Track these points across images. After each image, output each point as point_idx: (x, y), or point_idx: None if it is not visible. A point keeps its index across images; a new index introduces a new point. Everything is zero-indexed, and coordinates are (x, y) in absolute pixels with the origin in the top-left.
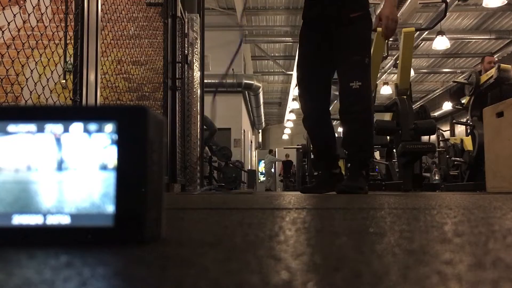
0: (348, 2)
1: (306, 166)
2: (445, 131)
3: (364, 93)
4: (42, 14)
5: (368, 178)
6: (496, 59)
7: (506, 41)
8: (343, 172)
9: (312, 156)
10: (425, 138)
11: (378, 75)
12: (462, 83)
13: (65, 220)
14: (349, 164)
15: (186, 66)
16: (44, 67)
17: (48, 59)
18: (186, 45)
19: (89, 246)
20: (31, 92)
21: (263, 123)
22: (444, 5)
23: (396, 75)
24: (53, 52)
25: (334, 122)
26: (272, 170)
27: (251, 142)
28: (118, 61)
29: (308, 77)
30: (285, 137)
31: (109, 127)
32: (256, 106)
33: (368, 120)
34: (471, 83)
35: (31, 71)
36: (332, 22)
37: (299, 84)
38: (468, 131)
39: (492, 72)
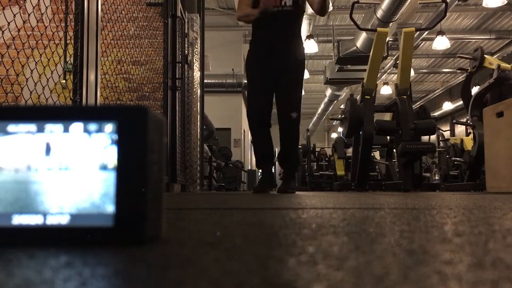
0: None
1: (306, 166)
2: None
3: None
4: (42, 14)
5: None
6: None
7: (506, 41)
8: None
9: (258, 159)
10: (425, 138)
11: (378, 75)
12: (467, 58)
13: (65, 220)
14: (283, 171)
15: (186, 66)
16: (44, 67)
17: (48, 59)
18: (186, 45)
19: (89, 246)
20: (31, 92)
21: None
22: (444, 5)
23: (396, 75)
24: (53, 52)
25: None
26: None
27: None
28: (118, 61)
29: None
30: None
31: (109, 127)
32: None
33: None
34: (475, 58)
35: (31, 71)
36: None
37: None
38: (469, 131)
39: (494, 63)
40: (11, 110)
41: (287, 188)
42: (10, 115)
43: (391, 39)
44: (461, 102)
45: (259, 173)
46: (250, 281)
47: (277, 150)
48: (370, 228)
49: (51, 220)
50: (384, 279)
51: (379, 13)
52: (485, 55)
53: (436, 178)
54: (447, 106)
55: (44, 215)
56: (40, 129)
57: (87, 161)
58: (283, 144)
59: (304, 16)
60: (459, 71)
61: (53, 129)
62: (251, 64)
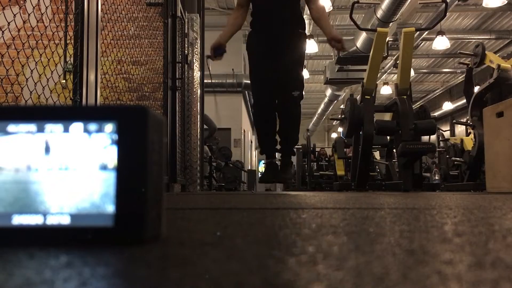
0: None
1: (306, 166)
2: (445, 131)
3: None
4: (42, 14)
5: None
6: None
7: (506, 41)
8: None
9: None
10: (425, 138)
11: (378, 75)
12: (468, 55)
13: (65, 220)
14: (282, 154)
15: (186, 66)
16: (44, 67)
17: (48, 59)
18: (186, 45)
19: (89, 246)
20: (31, 92)
21: None
22: (444, 5)
23: (396, 75)
24: (53, 52)
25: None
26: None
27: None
28: (118, 61)
29: None
30: None
31: (109, 127)
32: None
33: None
34: (476, 54)
35: (31, 71)
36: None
37: None
38: (469, 131)
39: (495, 62)
40: (11, 110)
41: (284, 176)
42: (10, 115)
43: (391, 39)
44: (461, 102)
45: (262, 163)
46: (250, 281)
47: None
48: (370, 228)
49: (51, 220)
50: (384, 279)
51: (379, 13)
52: (486, 52)
53: (436, 178)
54: (447, 106)
55: (44, 215)
56: (40, 129)
57: (87, 161)
58: (282, 123)
59: (304, 17)
60: (460, 65)
61: (53, 129)
62: (253, 44)
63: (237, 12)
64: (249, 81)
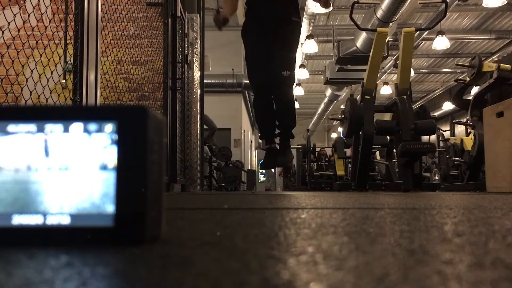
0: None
1: (306, 166)
2: (445, 131)
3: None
4: (42, 14)
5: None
6: (496, 59)
7: (506, 41)
8: None
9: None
10: (425, 138)
11: (378, 75)
12: (465, 66)
13: (65, 220)
14: (279, 138)
15: (186, 66)
16: (44, 67)
17: (48, 59)
18: (186, 45)
19: (89, 246)
20: (31, 92)
21: None
22: (444, 5)
23: (396, 75)
24: (53, 52)
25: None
26: (272, 170)
27: (251, 142)
28: (118, 61)
29: None
30: None
31: (109, 127)
32: None
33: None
34: (473, 66)
35: (31, 71)
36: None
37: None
38: (469, 131)
39: (493, 66)
40: (11, 110)
41: (284, 159)
42: (10, 115)
43: (391, 39)
44: None
45: (264, 145)
46: (250, 281)
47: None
48: (370, 228)
49: (51, 220)
50: (384, 279)
51: (379, 13)
52: (482, 62)
53: (436, 178)
54: (447, 106)
55: (44, 215)
56: (40, 129)
57: (87, 161)
58: (277, 106)
59: (304, 16)
60: (457, 82)
61: (53, 129)
62: (247, 31)
63: None
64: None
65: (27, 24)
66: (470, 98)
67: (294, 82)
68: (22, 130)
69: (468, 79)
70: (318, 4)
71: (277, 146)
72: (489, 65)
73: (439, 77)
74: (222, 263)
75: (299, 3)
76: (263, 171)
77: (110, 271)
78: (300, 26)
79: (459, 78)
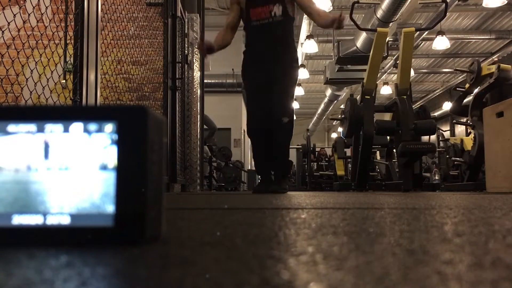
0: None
1: (306, 166)
2: (445, 131)
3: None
4: (42, 14)
5: (289, 180)
6: (496, 59)
7: (506, 41)
8: None
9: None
10: (425, 138)
11: (378, 75)
12: (464, 72)
13: (65, 220)
14: (274, 172)
15: (186, 66)
16: (44, 67)
17: (48, 59)
18: (186, 45)
19: (89, 246)
20: (31, 92)
21: None
22: (444, 5)
23: (396, 75)
24: (53, 52)
25: None
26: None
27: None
28: (118, 61)
29: None
30: None
31: (109, 127)
32: None
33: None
34: (472, 71)
35: (31, 71)
36: None
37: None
38: (469, 131)
39: (493, 68)
40: (11, 110)
41: (278, 188)
42: (10, 115)
43: (391, 39)
44: None
45: (259, 178)
46: (250, 281)
47: None
48: (370, 228)
49: (51, 220)
50: (384, 279)
51: (379, 13)
52: (481, 66)
53: (436, 178)
54: (447, 106)
55: (44, 215)
56: (40, 129)
57: (87, 161)
58: (274, 148)
59: (304, 16)
60: (456, 90)
61: (53, 129)
62: (246, 73)
63: (225, 31)
64: None
65: (27, 24)
66: (470, 98)
67: (293, 125)
68: (22, 130)
69: (467, 85)
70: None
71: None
72: (488, 67)
73: (439, 77)
74: (222, 263)
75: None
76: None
77: (110, 271)
78: (298, 69)
79: (458, 86)
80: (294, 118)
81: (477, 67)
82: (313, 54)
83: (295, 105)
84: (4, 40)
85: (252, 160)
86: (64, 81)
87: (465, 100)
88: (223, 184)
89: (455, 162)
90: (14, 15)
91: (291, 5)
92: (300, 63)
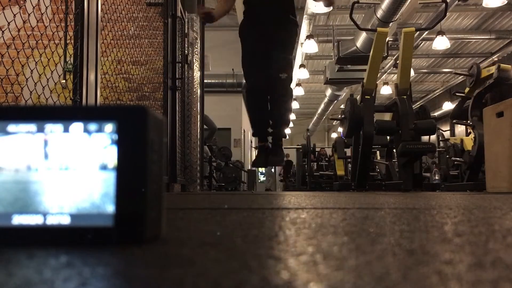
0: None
1: (306, 166)
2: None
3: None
4: (42, 14)
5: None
6: (496, 59)
7: (506, 41)
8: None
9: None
10: (425, 138)
11: (378, 75)
12: (464, 75)
13: (65, 220)
14: (272, 138)
15: (186, 66)
16: (44, 67)
17: (48, 59)
18: (186, 45)
19: (89, 246)
20: (31, 92)
21: None
22: (444, 5)
23: (396, 75)
24: (53, 52)
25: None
26: (272, 170)
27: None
28: (118, 61)
29: None
30: None
31: (109, 127)
32: None
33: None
34: (472, 75)
35: (31, 71)
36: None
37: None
38: (469, 131)
39: (492, 69)
40: (11, 110)
41: (276, 159)
42: (10, 115)
43: (391, 39)
44: None
45: (256, 146)
46: (250, 281)
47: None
48: (370, 228)
49: (51, 220)
50: (384, 279)
51: (379, 13)
52: (481, 69)
53: (436, 178)
54: (447, 106)
55: (44, 215)
56: (40, 129)
57: (87, 161)
58: (272, 106)
59: (304, 16)
60: (455, 95)
61: (53, 129)
62: (245, 32)
63: (224, 1)
64: None
65: (27, 24)
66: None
67: (291, 82)
68: (22, 130)
69: (467, 89)
70: (319, 4)
71: (270, 145)
72: (487, 69)
73: (439, 77)
74: (222, 263)
75: (299, 3)
76: (263, 171)
77: (110, 271)
78: (297, 27)
79: (458, 91)
80: (293, 76)
81: (477, 70)
82: (313, 54)
83: (295, 104)
84: (4, 40)
85: (250, 124)
86: (64, 81)
87: (465, 104)
88: (223, 184)
89: (455, 162)
90: (14, 15)
91: None
92: (300, 62)
